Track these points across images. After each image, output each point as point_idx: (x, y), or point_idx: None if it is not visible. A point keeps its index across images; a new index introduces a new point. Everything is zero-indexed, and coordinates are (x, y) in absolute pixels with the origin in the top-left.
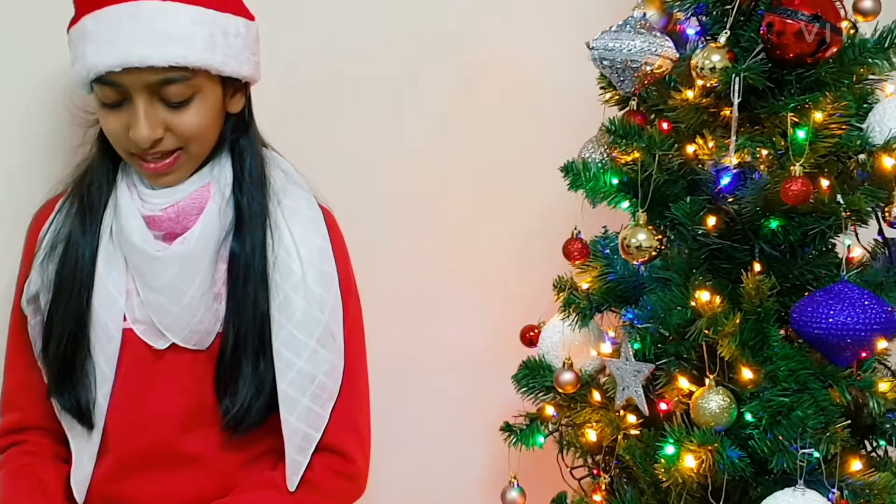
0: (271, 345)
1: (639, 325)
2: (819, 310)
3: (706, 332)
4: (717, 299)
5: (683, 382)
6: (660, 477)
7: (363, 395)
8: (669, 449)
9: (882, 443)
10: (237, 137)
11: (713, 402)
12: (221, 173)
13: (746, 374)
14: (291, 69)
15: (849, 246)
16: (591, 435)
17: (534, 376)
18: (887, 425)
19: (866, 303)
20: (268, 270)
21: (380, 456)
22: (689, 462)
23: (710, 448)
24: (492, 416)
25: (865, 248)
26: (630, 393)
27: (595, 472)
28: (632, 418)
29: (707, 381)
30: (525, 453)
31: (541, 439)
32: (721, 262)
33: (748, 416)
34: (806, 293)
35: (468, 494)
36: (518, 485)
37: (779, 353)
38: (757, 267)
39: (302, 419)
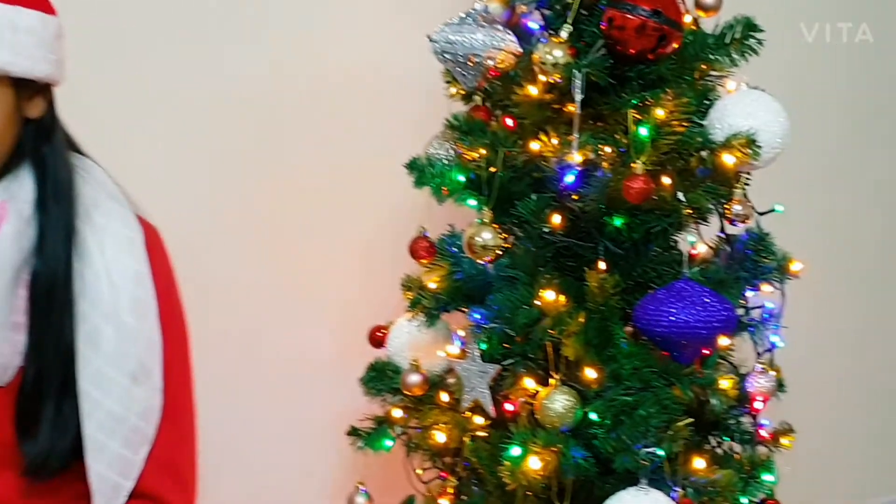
0: (77, 381)
1: (485, 326)
2: (661, 308)
3: (550, 331)
4: (562, 298)
5: (529, 383)
6: (504, 479)
7: (187, 434)
8: (515, 450)
9: (725, 439)
10: (39, 146)
11: (558, 402)
12: (21, 189)
13: (590, 373)
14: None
15: (693, 243)
16: (438, 437)
17: (381, 378)
18: (730, 422)
19: (706, 300)
20: (73, 297)
21: (222, 463)
22: (534, 464)
23: (554, 449)
24: (339, 420)
25: (709, 245)
26: (476, 394)
27: (443, 474)
28: (478, 420)
29: (552, 380)
30: (373, 457)
31: (388, 443)
32: (567, 260)
33: (593, 416)
34: (650, 291)
35: (314, 501)
36: (364, 490)
37: (623, 351)
38: (602, 265)
39: (112, 466)
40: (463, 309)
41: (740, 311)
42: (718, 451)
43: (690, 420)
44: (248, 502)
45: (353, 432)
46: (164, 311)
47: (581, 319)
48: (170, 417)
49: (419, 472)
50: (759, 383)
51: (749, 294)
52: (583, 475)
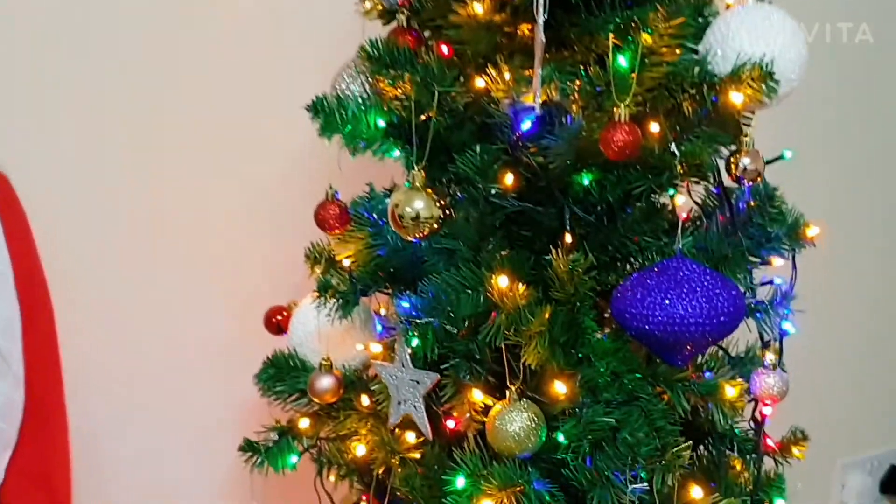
0: None
1: (417, 319)
2: (650, 298)
3: (506, 332)
4: (520, 288)
5: (477, 395)
6: None
7: (57, 433)
8: (460, 481)
9: (716, 451)
10: None
11: (516, 422)
12: None
13: (559, 387)
14: None
15: (681, 203)
16: (359, 450)
17: (282, 377)
18: (738, 439)
19: (708, 285)
20: None
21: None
22: None
23: (513, 491)
24: (235, 427)
25: (696, 203)
26: (407, 408)
27: (365, 497)
28: (411, 437)
29: (508, 392)
30: (275, 475)
31: (293, 459)
32: (521, 229)
33: (561, 438)
34: (628, 267)
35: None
36: None
37: (597, 349)
38: (567, 238)
39: None
40: (387, 291)
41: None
42: (709, 466)
43: (688, 444)
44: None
45: (248, 447)
46: (23, 281)
47: (546, 316)
48: (36, 415)
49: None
50: (766, 383)
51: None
52: None
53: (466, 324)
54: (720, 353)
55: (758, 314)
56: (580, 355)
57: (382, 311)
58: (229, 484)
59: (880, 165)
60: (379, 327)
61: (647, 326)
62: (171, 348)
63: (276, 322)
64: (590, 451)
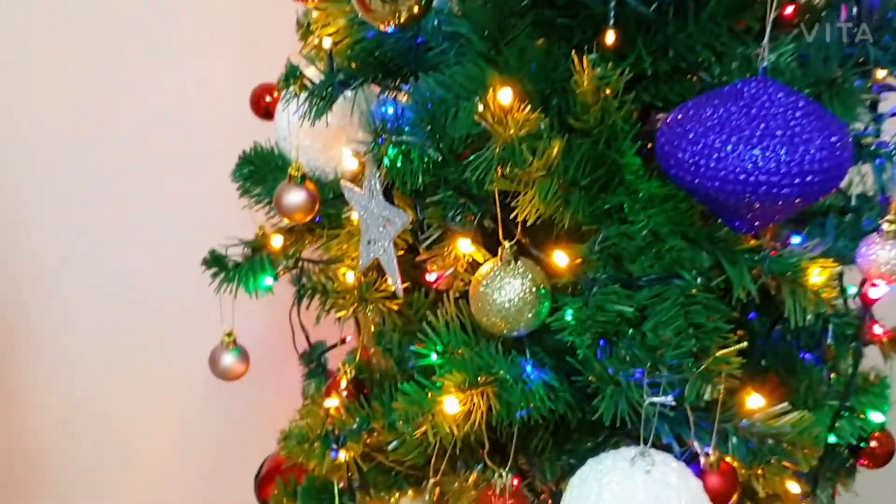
0: None
1: (398, 133)
2: (704, 139)
3: (505, 167)
4: (520, 109)
5: (465, 245)
6: (401, 414)
7: None
8: (434, 358)
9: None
10: None
11: (505, 290)
12: None
13: (559, 257)
14: None
15: None
16: (348, 277)
17: (261, 176)
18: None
19: (797, 126)
20: None
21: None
22: (451, 406)
23: (490, 376)
24: None
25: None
26: (376, 252)
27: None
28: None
29: (501, 250)
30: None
31: (268, 281)
32: (556, 14)
33: (569, 316)
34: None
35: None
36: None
37: (638, 196)
38: (609, 37)
39: None
40: (378, 84)
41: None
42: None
43: (740, 346)
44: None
45: (215, 261)
46: None
47: (554, 153)
48: None
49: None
50: (878, 256)
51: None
52: (542, 418)
53: (457, 149)
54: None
55: (878, 160)
56: (607, 206)
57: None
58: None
59: None
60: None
61: (696, 180)
62: None
63: (265, 105)
64: (595, 345)
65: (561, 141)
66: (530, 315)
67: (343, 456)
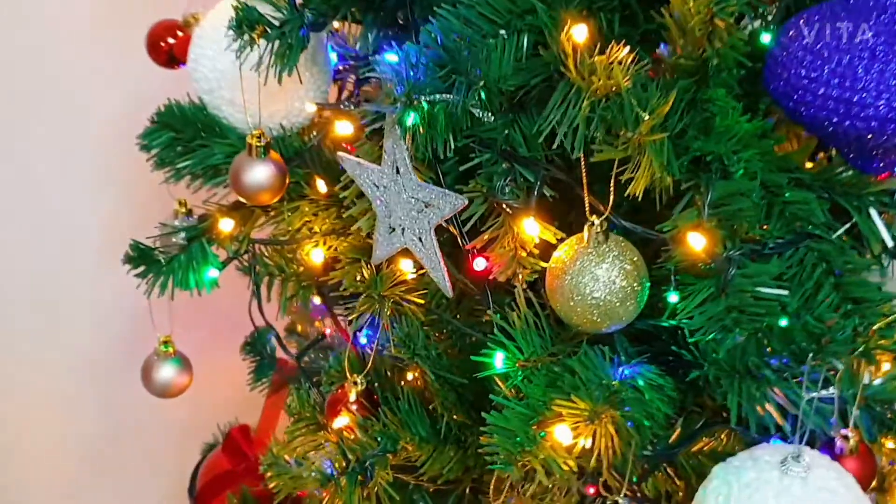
0: None
1: (419, 92)
2: (842, 63)
3: (605, 128)
4: (619, 49)
5: (530, 225)
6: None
7: None
8: (499, 360)
9: None
10: None
11: (600, 279)
12: None
13: (696, 239)
14: None
15: None
16: (314, 255)
17: (185, 144)
18: None
19: None
20: None
21: None
22: (565, 436)
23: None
24: None
25: None
26: (406, 240)
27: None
28: (406, 265)
29: (588, 230)
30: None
31: (212, 273)
32: None
33: (674, 298)
34: None
35: None
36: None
37: (731, 141)
38: None
39: None
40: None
41: None
42: None
43: None
44: None
45: (141, 256)
46: None
47: (670, 103)
48: None
49: None
50: None
51: None
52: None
53: (514, 99)
54: None
55: None
56: (707, 156)
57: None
58: None
59: None
60: (334, 58)
61: (806, 111)
62: None
63: (166, 48)
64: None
65: (673, 90)
66: (631, 305)
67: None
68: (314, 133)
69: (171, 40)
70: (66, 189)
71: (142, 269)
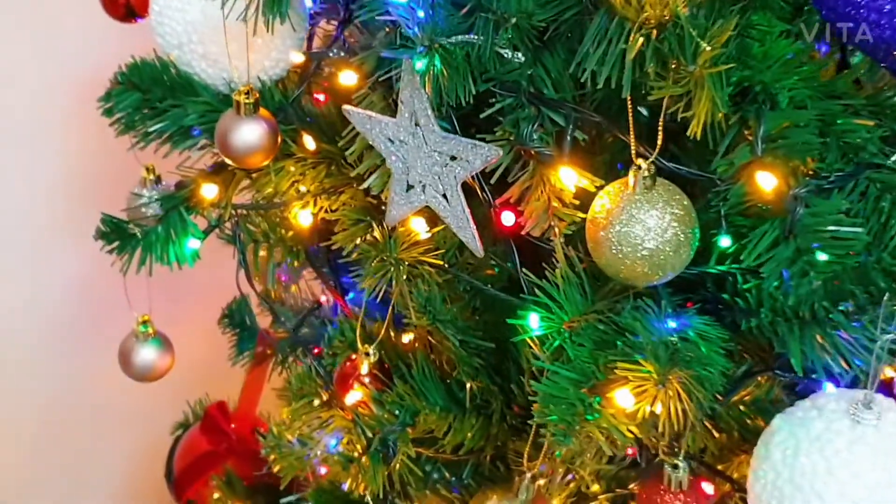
0: None
1: (436, 34)
2: None
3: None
4: None
5: (566, 174)
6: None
7: None
8: (533, 319)
9: None
10: None
11: (652, 222)
12: None
13: (765, 178)
14: None
15: None
16: (301, 218)
17: (154, 104)
18: None
19: None
20: None
21: None
22: (626, 400)
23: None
24: None
25: None
26: (428, 198)
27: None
28: (418, 223)
29: (634, 173)
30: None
31: (193, 244)
32: None
33: (723, 242)
34: None
35: None
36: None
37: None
38: None
39: None
40: None
41: None
42: None
43: None
44: None
45: (113, 230)
46: None
47: (732, 24)
48: None
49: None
50: None
51: None
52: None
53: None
54: None
55: None
56: (746, 81)
57: None
58: None
59: None
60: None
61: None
62: None
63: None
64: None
65: (731, 15)
66: (684, 253)
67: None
68: (295, 84)
69: None
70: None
71: (116, 244)
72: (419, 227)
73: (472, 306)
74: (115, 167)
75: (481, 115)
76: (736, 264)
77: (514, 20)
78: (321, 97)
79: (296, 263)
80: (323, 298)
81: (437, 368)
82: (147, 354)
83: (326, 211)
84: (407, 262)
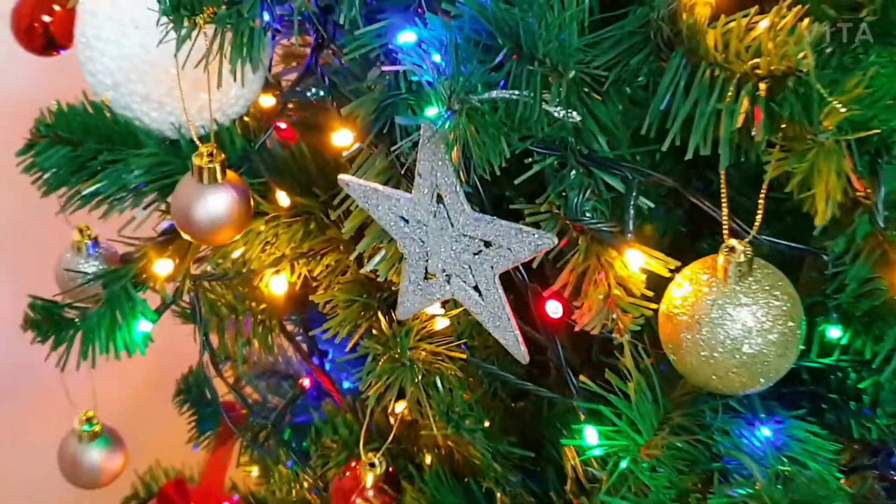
0: None
1: (468, 90)
2: None
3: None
4: None
5: (633, 258)
6: None
7: None
8: (590, 435)
9: None
10: None
11: (750, 322)
12: None
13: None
14: None
15: None
16: (273, 285)
17: (82, 159)
18: None
19: None
20: None
21: None
22: None
23: None
24: None
25: None
26: (456, 289)
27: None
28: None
29: (724, 255)
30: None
31: (145, 326)
32: None
33: (831, 333)
34: None
35: None
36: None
37: None
38: None
39: None
40: None
41: None
42: None
43: None
44: None
45: (43, 316)
46: None
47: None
48: None
49: None
50: None
51: None
52: None
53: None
54: None
55: None
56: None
57: None
58: None
59: None
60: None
61: None
62: None
63: (40, 28)
64: None
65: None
66: (791, 353)
67: None
68: (258, 126)
69: (46, 18)
70: None
71: (51, 336)
72: (434, 309)
73: (492, 389)
74: (42, 229)
75: (516, 182)
76: (845, 355)
77: (571, 74)
78: (283, 125)
79: (269, 339)
80: (307, 382)
81: (452, 466)
82: (93, 458)
83: (307, 277)
84: (422, 361)
